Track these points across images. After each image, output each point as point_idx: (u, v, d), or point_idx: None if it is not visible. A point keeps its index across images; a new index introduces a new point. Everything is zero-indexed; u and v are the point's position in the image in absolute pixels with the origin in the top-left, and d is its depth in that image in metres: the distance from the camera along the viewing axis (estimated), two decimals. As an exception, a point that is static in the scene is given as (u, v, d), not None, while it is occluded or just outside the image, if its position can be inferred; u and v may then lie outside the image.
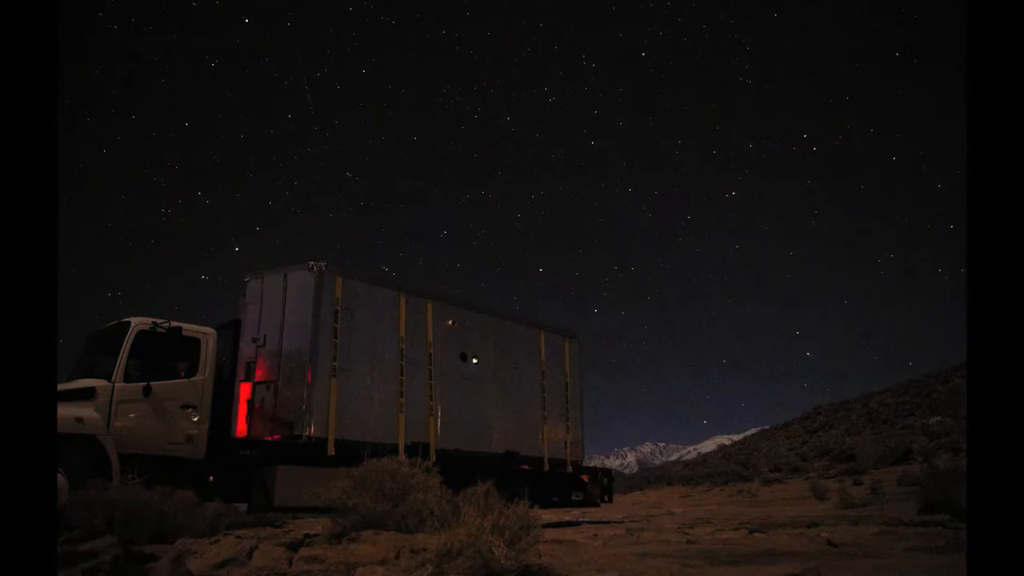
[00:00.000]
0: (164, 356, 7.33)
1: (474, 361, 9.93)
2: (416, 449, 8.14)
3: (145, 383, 7.04)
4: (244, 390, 8.14)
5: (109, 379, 6.89)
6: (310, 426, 7.80)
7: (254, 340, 8.30)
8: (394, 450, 8.14)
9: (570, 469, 11.01)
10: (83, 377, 7.05)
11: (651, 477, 36.13)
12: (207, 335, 7.74)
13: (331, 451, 7.83)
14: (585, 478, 11.24)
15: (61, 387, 6.63)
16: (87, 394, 6.70)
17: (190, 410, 7.32)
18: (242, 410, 8.08)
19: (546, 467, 10.54)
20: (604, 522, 9.73)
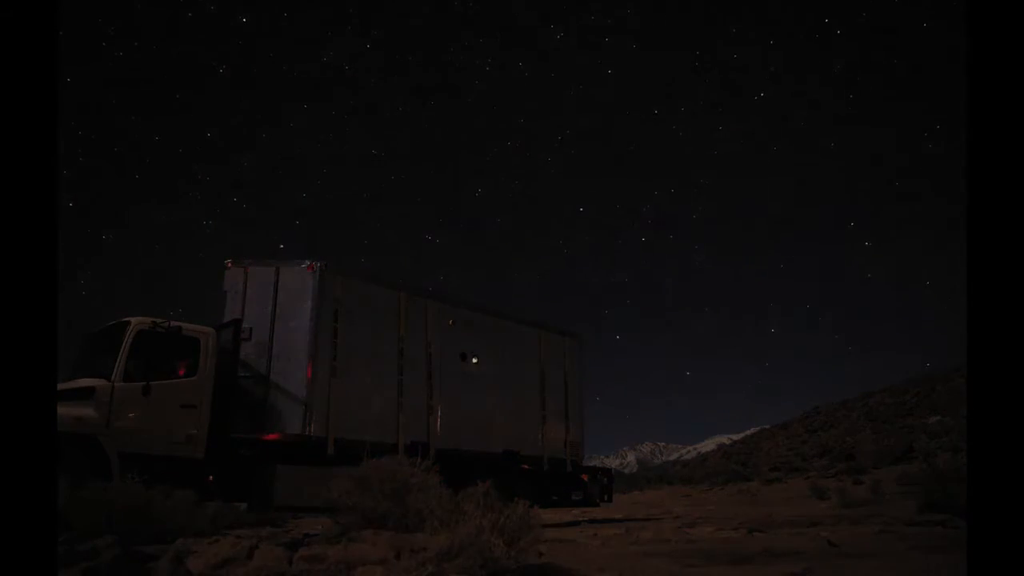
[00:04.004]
0: (164, 356, 7.32)
1: (474, 361, 9.93)
2: (416, 449, 8.14)
3: (145, 383, 7.04)
4: None
5: (109, 379, 6.89)
6: (310, 425, 7.80)
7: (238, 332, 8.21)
8: (394, 449, 8.14)
9: (570, 469, 11.01)
10: (83, 377, 7.04)
11: (651, 477, 36.14)
12: (207, 335, 7.73)
13: (331, 450, 7.83)
14: (585, 478, 11.24)
15: (61, 387, 6.62)
16: (87, 394, 6.70)
17: (190, 410, 7.31)
18: None
19: (546, 467, 10.55)
20: (604, 522, 9.74)
